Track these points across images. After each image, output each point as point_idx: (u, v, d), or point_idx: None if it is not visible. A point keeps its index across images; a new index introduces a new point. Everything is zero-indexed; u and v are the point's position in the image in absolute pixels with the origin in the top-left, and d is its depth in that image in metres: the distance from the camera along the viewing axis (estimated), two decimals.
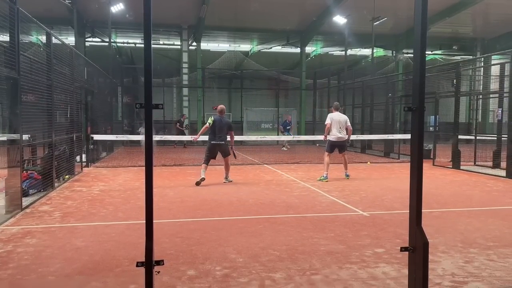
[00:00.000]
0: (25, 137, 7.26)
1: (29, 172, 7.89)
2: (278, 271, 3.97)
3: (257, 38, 26.66)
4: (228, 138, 9.59)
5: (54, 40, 8.51)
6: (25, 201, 6.82)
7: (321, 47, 28.44)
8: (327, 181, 9.68)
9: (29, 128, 7.45)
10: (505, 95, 11.50)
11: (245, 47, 27.77)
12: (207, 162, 9.39)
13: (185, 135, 20.18)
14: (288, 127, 20.24)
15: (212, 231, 5.37)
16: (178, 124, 20.71)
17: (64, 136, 9.63)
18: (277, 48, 27.36)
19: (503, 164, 10.88)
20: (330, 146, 10.24)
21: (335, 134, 10.13)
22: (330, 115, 10.26)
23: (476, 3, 20.65)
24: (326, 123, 10.21)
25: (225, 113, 9.73)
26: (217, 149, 9.47)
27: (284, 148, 19.63)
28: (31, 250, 4.55)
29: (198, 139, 10.48)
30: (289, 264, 4.16)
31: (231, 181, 9.55)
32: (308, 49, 27.41)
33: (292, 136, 19.62)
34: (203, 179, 9.03)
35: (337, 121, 10.14)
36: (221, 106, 9.65)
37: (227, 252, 4.52)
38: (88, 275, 3.87)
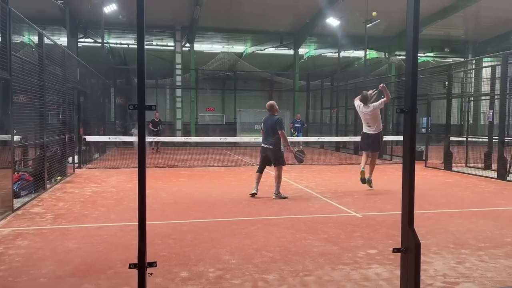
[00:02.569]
0: (17, 138, 7.20)
1: (20, 173, 7.83)
2: (271, 273, 3.97)
3: (251, 39, 26.69)
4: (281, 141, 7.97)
5: (46, 41, 8.46)
6: (16, 202, 6.77)
7: (314, 49, 28.53)
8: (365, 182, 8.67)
9: (20, 129, 7.40)
10: (496, 97, 11.61)
11: (238, 48, 27.78)
12: (260, 170, 8.05)
13: (159, 136, 18.62)
14: (297, 125, 19.55)
15: (205, 232, 5.37)
16: (150, 124, 18.71)
17: (56, 137, 9.57)
18: (270, 50, 27.39)
19: (494, 165, 10.98)
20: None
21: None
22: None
23: (468, 6, 20.83)
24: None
25: (277, 110, 8.07)
26: (265, 154, 7.98)
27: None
28: (23, 252, 4.51)
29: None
30: (282, 266, 4.16)
31: (286, 197, 7.77)
32: (302, 50, 27.47)
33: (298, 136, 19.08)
34: (254, 194, 7.81)
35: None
36: (268, 103, 8.15)
37: (220, 253, 4.52)
38: (80, 277, 3.85)
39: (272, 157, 7.87)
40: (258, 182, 7.92)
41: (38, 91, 7.93)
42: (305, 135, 23.61)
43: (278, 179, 7.81)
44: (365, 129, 8.85)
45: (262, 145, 8.03)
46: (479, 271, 4.06)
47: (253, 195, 7.82)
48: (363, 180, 8.65)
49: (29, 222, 5.87)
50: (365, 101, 8.69)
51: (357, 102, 8.95)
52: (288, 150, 8.11)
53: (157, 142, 18.08)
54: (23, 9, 7.66)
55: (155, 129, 18.71)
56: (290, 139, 18.35)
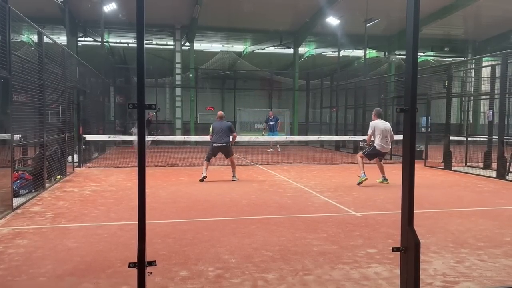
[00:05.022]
0: (16, 137, 7.20)
1: (20, 172, 7.82)
2: (271, 272, 3.97)
3: (250, 38, 26.67)
4: (231, 138, 10.10)
5: (45, 40, 8.45)
6: (16, 201, 6.77)
7: (314, 48, 28.51)
8: (366, 179, 9.24)
9: (20, 128, 7.39)
10: (495, 96, 11.61)
11: (238, 47, 27.76)
12: (208, 160, 10.01)
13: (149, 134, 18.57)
14: (271, 123, 18.34)
15: (205, 231, 5.37)
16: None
17: (56, 136, 9.56)
18: (270, 49, 27.38)
19: (494, 165, 10.98)
20: (372, 153, 9.58)
21: (381, 143, 9.45)
22: (373, 124, 9.62)
23: (468, 6, 20.83)
24: (369, 133, 9.64)
25: (225, 118, 10.41)
26: (217, 151, 10.04)
27: (270, 150, 18.25)
28: (22, 251, 4.51)
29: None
30: (282, 265, 4.16)
31: (237, 180, 9.93)
32: (301, 50, 27.44)
33: (278, 137, 18.09)
34: (205, 177, 9.63)
35: (381, 130, 9.47)
36: (219, 112, 10.44)
37: (220, 252, 4.52)
38: (80, 276, 3.85)
39: (226, 151, 10.03)
40: (207, 169, 9.85)
41: (37, 90, 7.92)
42: (304, 133, 23.62)
43: (234, 166, 10.21)
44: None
45: (217, 144, 9.94)
46: (479, 271, 4.06)
47: (203, 179, 9.61)
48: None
49: (28, 221, 5.87)
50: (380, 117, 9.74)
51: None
52: (233, 142, 10.20)
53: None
54: (23, 8, 7.64)
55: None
56: (270, 138, 17.85)
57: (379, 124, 9.52)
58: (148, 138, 15.24)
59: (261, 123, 24.43)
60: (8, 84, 6.29)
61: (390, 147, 9.89)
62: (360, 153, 9.81)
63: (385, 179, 9.71)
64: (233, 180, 9.89)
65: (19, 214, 6.25)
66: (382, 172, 9.80)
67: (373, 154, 9.60)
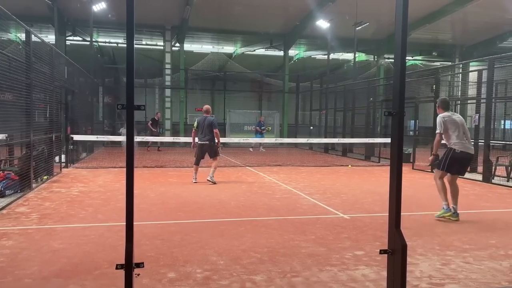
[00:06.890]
0: (2, 136, 7.10)
1: (5, 172, 7.72)
2: (259, 274, 3.97)
3: (241, 40, 26.68)
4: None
5: (33, 38, 8.36)
6: (1, 202, 6.68)
7: (304, 51, 28.63)
8: (455, 219, 6.31)
9: (6, 128, 7.29)
10: (482, 101, 11.77)
11: (228, 49, 27.76)
12: (197, 163, 9.75)
13: (158, 135, 18.89)
14: (263, 127, 20.25)
15: (193, 233, 5.35)
16: (150, 122, 19.05)
17: (43, 136, 9.45)
18: (260, 51, 27.42)
19: (480, 168, 11.12)
20: (450, 161, 6.54)
21: (460, 143, 6.43)
22: (442, 117, 6.49)
23: (455, 11, 21.12)
24: (437, 131, 6.56)
25: (210, 113, 9.72)
26: (203, 149, 9.57)
27: (251, 150, 19.48)
28: (7, 252, 4.45)
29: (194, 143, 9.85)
30: (270, 267, 4.17)
31: (215, 183, 9.43)
32: (292, 52, 27.54)
33: (261, 139, 19.27)
34: (195, 182, 9.50)
35: (457, 124, 6.43)
36: (205, 106, 9.79)
37: (208, 254, 4.51)
38: (66, 278, 3.81)
39: (209, 150, 9.56)
40: (196, 173, 9.68)
41: (25, 89, 7.83)
42: (293, 135, 23.68)
43: (216, 167, 9.65)
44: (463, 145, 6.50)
45: (199, 142, 9.55)
46: (464, 273, 4.12)
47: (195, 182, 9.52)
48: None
49: (14, 222, 5.79)
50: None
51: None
52: (218, 145, 9.73)
53: (154, 142, 18.27)
54: (11, 6, 7.57)
55: (154, 129, 18.85)
56: (260, 140, 18.64)
57: (453, 118, 6.50)
58: (137, 138, 15.16)
59: (251, 124, 24.48)
60: None
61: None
62: (437, 170, 6.74)
63: (453, 212, 6.34)
64: (208, 180, 9.43)
65: (4, 215, 6.16)
66: (453, 197, 6.46)
67: (453, 163, 6.55)
